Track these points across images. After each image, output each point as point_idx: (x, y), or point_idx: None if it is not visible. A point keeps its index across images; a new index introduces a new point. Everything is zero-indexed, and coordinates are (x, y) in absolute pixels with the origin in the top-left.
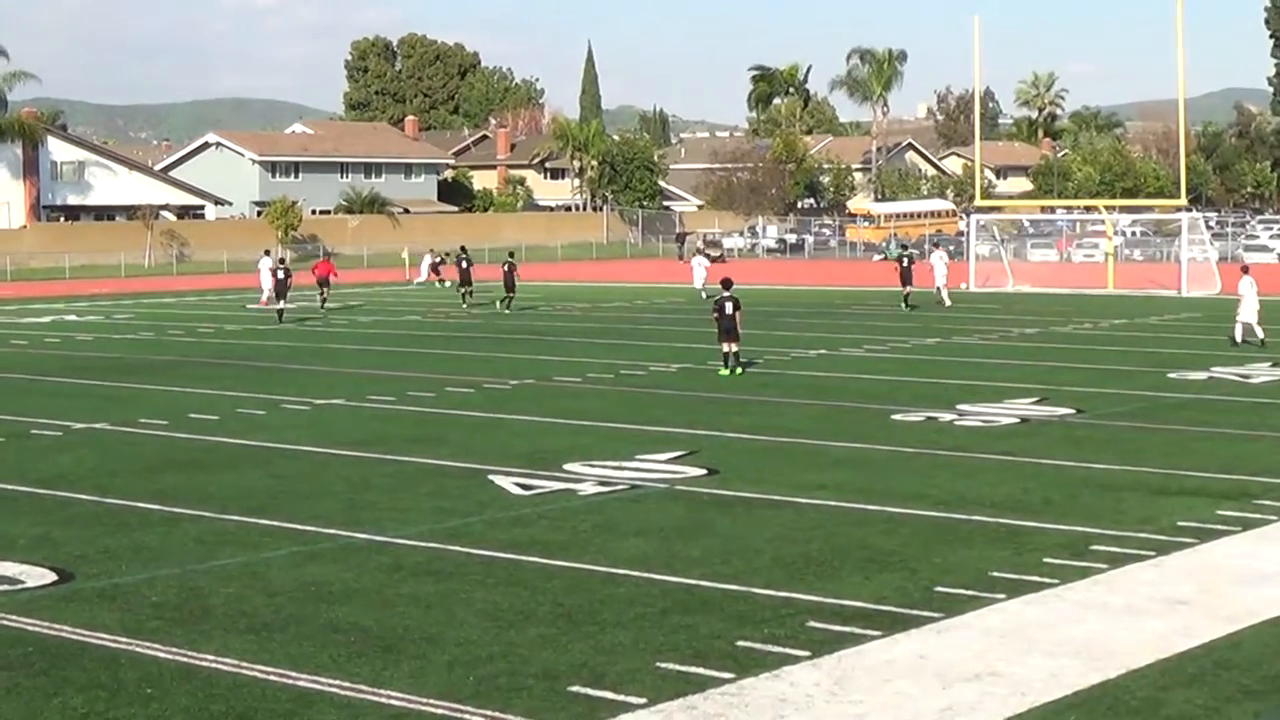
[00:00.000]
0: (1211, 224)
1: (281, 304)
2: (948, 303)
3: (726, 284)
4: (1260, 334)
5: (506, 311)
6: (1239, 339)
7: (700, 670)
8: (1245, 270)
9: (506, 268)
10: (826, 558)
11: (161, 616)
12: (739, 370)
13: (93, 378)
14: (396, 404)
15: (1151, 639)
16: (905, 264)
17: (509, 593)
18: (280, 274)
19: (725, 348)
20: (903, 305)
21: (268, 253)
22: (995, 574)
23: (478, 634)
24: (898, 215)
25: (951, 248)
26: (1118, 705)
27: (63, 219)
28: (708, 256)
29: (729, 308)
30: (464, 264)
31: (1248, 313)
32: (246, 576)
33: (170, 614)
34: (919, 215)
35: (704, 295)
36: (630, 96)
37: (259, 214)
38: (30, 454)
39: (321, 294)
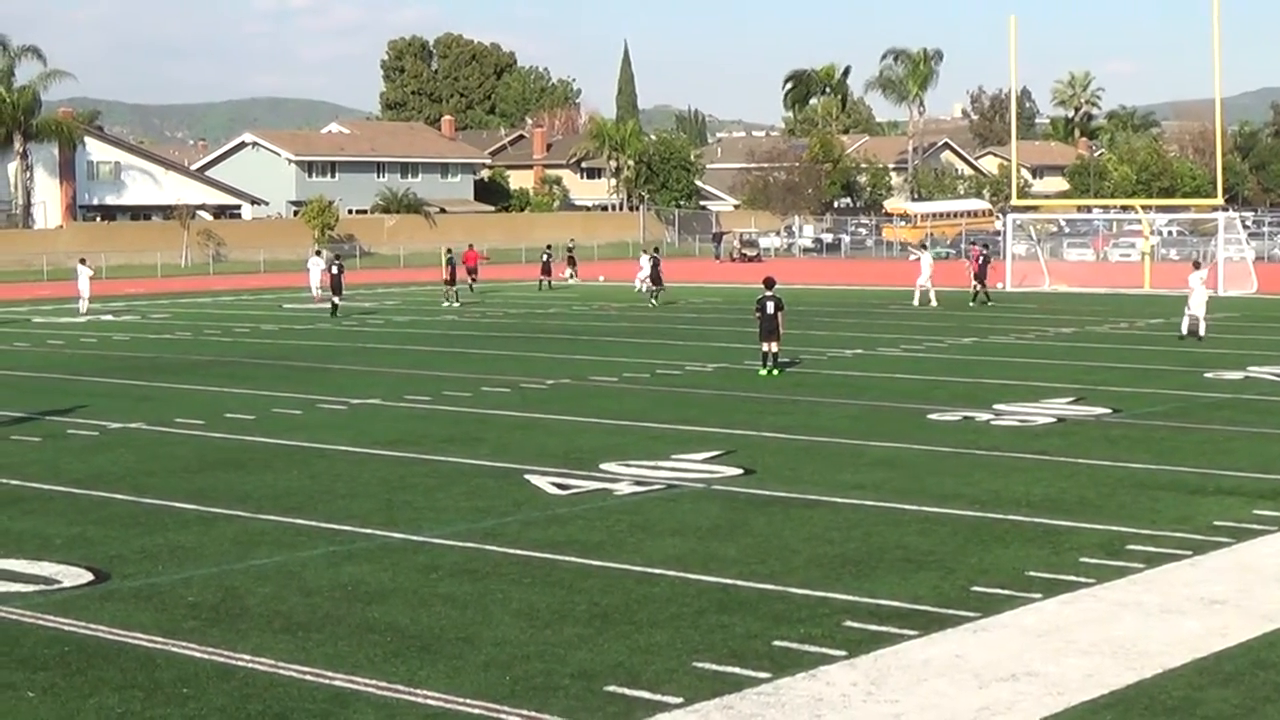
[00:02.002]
0: (1248, 223)
1: (336, 300)
2: (934, 303)
3: (769, 283)
4: (1202, 330)
5: (654, 304)
6: (1186, 332)
7: (737, 670)
8: (1197, 266)
9: (651, 262)
10: (863, 557)
11: (198, 616)
12: (776, 371)
13: (129, 377)
14: (433, 403)
15: (1188, 638)
16: (981, 261)
17: (545, 592)
18: (334, 270)
19: (765, 347)
20: (978, 300)
21: (318, 252)
22: (1032, 573)
23: (514, 634)
24: (934, 215)
25: (989, 247)
26: (1154, 705)
27: (99, 219)
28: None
29: (770, 307)
30: (452, 264)
31: (1196, 306)
32: (283, 576)
33: (207, 614)
34: (956, 215)
35: (638, 290)
36: (666, 96)
37: (295, 214)
38: (66, 454)
39: (471, 281)
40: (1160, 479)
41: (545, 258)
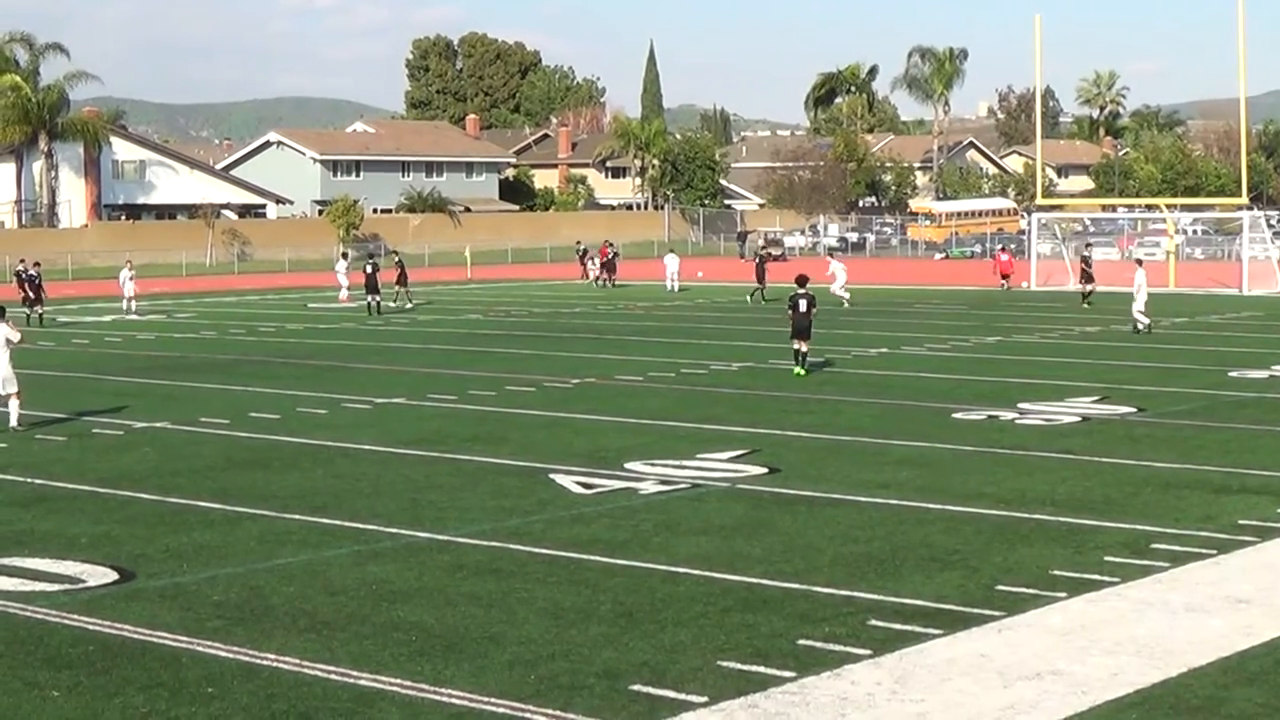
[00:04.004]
0: (1273, 222)
1: (372, 299)
2: (845, 305)
3: (802, 281)
4: (1145, 323)
5: (762, 302)
6: (1141, 328)
7: (762, 669)
8: (1139, 264)
9: (758, 260)
10: (887, 556)
11: (223, 615)
12: (806, 370)
13: (154, 377)
14: (457, 402)
15: (1212, 637)
16: (1084, 262)
17: (570, 591)
18: (369, 269)
19: (797, 345)
20: (1086, 303)
21: (344, 255)
22: (1056, 572)
23: (539, 633)
24: (959, 214)
25: (1013, 246)
26: (1179, 704)
27: (124, 218)
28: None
29: (802, 305)
30: (402, 267)
31: (1141, 302)
32: (308, 575)
33: (232, 613)
34: (981, 214)
35: (671, 289)
36: (691, 95)
37: (320, 213)
38: (92, 453)
39: (603, 275)
40: (1185, 478)
41: (611, 255)
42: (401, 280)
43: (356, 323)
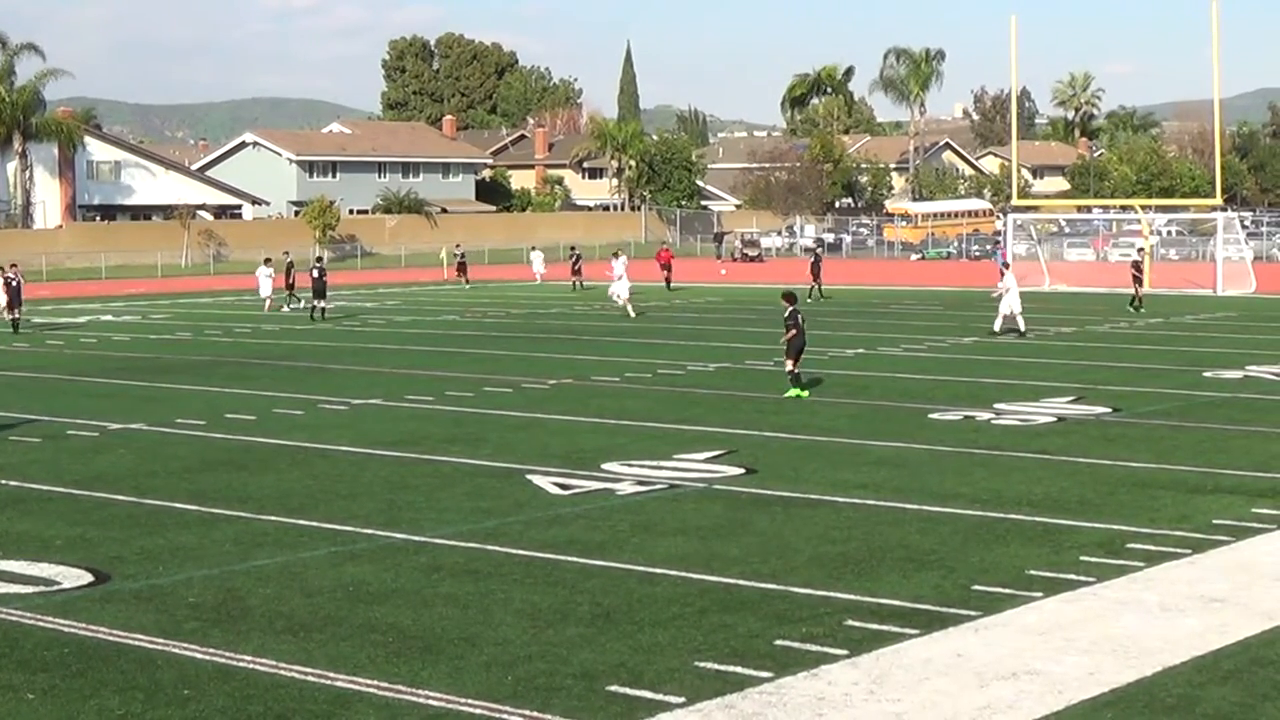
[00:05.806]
0: (1247, 223)
1: (319, 303)
2: (632, 314)
3: (793, 298)
4: (998, 326)
5: (809, 301)
6: (999, 329)
7: (739, 669)
8: (1007, 266)
9: (813, 258)
10: (864, 557)
11: (199, 617)
12: (807, 393)
13: (129, 378)
14: (434, 404)
15: (1187, 637)
16: (1136, 267)
17: (547, 592)
18: (315, 273)
19: (791, 365)
20: (1130, 307)
21: (267, 261)
22: (1032, 572)
23: (516, 634)
24: (935, 215)
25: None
26: (1154, 703)
27: (99, 219)
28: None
29: (802, 321)
30: (291, 268)
31: (1012, 304)
32: (284, 577)
33: (208, 615)
34: (956, 215)
35: (612, 296)
36: (668, 96)
37: (296, 214)
38: (67, 455)
39: (667, 278)
40: (1160, 478)
41: (575, 259)
42: (291, 285)
43: (332, 324)
